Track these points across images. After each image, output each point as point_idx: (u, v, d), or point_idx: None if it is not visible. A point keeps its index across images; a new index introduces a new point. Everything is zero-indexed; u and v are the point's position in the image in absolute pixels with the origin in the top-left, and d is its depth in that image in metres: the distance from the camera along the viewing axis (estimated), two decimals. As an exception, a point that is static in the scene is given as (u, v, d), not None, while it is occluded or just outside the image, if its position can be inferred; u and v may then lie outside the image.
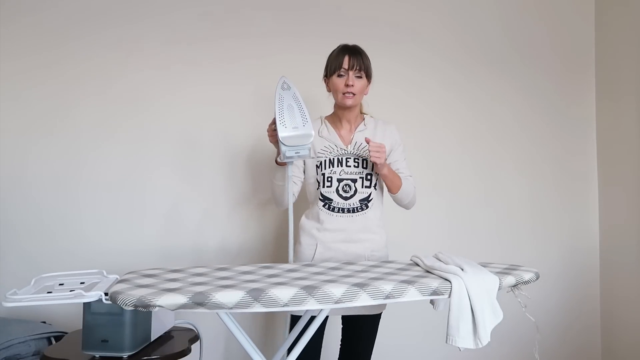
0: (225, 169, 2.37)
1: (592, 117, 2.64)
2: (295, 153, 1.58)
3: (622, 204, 2.45)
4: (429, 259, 1.52)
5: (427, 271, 1.42)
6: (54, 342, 1.92)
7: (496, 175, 2.56)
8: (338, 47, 1.80)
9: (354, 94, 1.75)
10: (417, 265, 1.53)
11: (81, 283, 1.45)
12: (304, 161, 1.82)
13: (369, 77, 1.79)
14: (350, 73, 1.74)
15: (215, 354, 2.34)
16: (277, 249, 2.36)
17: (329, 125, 1.84)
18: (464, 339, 1.29)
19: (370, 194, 1.78)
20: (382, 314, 1.81)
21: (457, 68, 2.54)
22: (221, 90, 2.36)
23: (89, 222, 2.28)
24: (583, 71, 2.64)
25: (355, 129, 1.82)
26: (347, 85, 1.74)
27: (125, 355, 1.47)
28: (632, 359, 2.38)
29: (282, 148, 1.58)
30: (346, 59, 1.75)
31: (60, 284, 1.44)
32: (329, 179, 1.77)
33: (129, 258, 2.27)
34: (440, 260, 1.48)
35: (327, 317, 1.79)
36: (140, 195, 2.31)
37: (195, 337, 1.73)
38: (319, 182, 1.79)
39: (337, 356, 1.90)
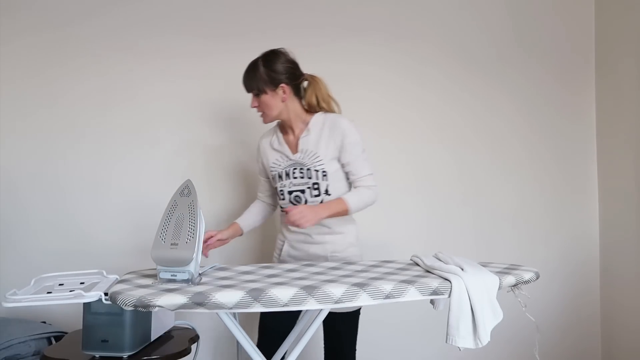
0: (227, 168, 2.37)
1: (592, 116, 2.64)
2: (172, 276, 1.30)
3: (622, 203, 2.45)
4: (429, 258, 1.52)
5: (427, 271, 1.42)
6: (54, 342, 1.92)
7: (496, 175, 2.55)
8: None
9: (263, 112, 1.76)
10: (417, 265, 1.53)
11: (81, 283, 1.45)
12: (268, 175, 1.84)
13: (265, 90, 1.70)
14: (251, 95, 1.75)
15: (215, 354, 2.34)
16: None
17: (279, 134, 1.82)
18: (464, 339, 1.30)
19: (321, 201, 1.72)
20: (360, 310, 1.78)
21: (457, 66, 2.53)
22: (221, 91, 2.36)
23: (88, 222, 2.28)
24: (583, 69, 2.63)
25: (300, 135, 1.77)
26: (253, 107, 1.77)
27: (125, 355, 1.47)
28: (632, 359, 2.38)
29: (157, 267, 1.33)
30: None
31: (60, 284, 1.45)
32: (281, 192, 1.78)
33: (129, 258, 2.27)
34: (440, 260, 1.48)
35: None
36: (141, 195, 2.31)
37: (195, 337, 1.72)
38: (277, 194, 1.83)
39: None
